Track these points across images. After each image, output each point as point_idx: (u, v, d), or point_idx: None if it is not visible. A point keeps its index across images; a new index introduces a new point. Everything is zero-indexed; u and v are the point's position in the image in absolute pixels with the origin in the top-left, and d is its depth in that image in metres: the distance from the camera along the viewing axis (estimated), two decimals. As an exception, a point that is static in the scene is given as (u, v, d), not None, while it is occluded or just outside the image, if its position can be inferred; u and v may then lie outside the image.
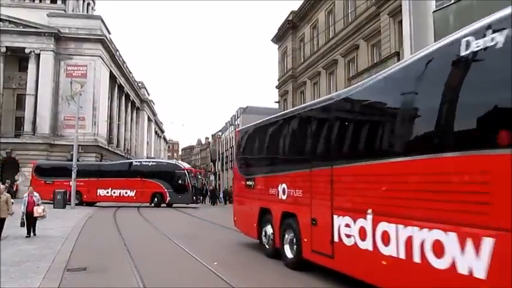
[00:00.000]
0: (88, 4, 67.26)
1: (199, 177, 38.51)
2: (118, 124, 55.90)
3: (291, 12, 37.51)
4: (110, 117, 51.10)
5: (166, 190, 29.55)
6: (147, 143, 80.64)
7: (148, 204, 29.72)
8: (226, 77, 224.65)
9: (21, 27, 42.35)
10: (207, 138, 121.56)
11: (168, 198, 29.48)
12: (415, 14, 17.01)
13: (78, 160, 30.64)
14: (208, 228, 16.48)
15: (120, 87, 56.04)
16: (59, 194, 26.11)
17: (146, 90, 76.97)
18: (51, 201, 25.52)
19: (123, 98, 58.78)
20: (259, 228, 9.81)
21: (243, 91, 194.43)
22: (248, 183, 10.84)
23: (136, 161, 35.18)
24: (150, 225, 17.46)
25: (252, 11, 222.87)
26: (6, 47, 42.01)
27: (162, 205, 29.69)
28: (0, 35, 41.75)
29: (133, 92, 64.89)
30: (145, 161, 35.77)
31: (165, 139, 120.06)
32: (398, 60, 18.53)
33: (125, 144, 59.62)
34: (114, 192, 30.17)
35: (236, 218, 11.87)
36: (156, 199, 29.52)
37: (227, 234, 13.80)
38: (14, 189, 37.16)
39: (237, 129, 12.83)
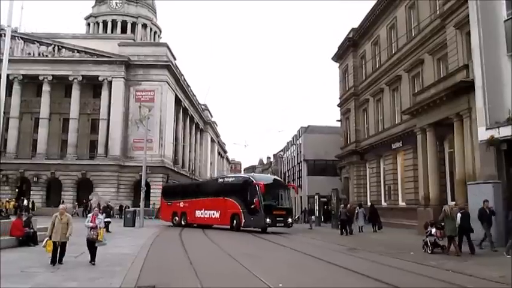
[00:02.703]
0: (155, 32, 71.07)
1: (295, 194, 30.18)
2: (183, 146, 57.80)
3: (351, 30, 37.21)
4: (176, 139, 52.99)
5: (241, 210, 24.34)
6: (211, 163, 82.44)
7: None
8: (287, 97, 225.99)
9: (95, 56, 45.43)
10: (268, 158, 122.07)
11: (243, 221, 24.03)
12: (484, 24, 16.21)
13: (146, 181, 31.86)
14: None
15: (185, 110, 58.06)
16: (128, 213, 27.52)
17: (209, 112, 79.13)
18: (171, 223, 29.53)
19: (188, 120, 60.80)
20: None
21: (304, 110, 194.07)
22: None
23: (220, 178, 32.31)
24: (215, 244, 17.66)
25: (311, 30, 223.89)
26: (82, 75, 45.17)
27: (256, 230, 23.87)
28: (78, 65, 45.13)
29: (197, 114, 66.97)
30: (227, 177, 31.66)
31: (227, 159, 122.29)
32: (468, 73, 17.73)
33: (189, 165, 61.37)
34: (205, 214, 27.26)
35: None
36: (235, 221, 24.68)
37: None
38: (88, 208, 39.37)
39: None
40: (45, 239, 10.66)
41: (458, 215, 13.84)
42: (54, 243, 10.38)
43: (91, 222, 10.94)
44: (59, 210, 10.75)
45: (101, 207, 28.06)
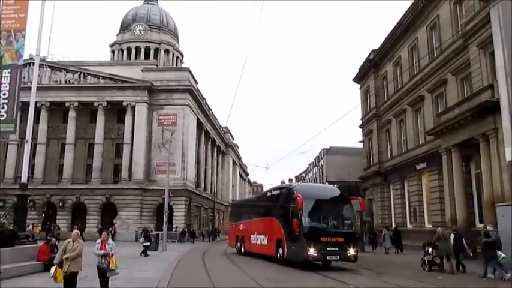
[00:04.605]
0: (177, 58, 72.55)
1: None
2: (205, 168, 58.07)
3: (372, 51, 37.28)
4: (198, 162, 53.34)
5: (284, 235, 17.60)
6: (233, 186, 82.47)
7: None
8: (308, 119, 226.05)
9: (119, 82, 46.51)
10: (290, 179, 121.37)
11: (285, 250, 17.31)
12: (508, 43, 16.04)
13: (169, 204, 31.88)
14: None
15: (207, 133, 58.59)
16: (152, 236, 27.55)
17: (231, 135, 79.63)
18: (235, 249, 24.98)
19: (209, 143, 61.27)
20: None
21: (326, 132, 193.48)
22: None
23: (269, 190, 23.04)
24: (237, 268, 17.54)
25: (332, 51, 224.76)
26: (107, 101, 46.20)
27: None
28: (103, 91, 46.30)
29: (218, 137, 67.47)
30: (274, 189, 21.80)
31: (249, 182, 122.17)
32: (493, 93, 17.48)
33: (211, 187, 61.53)
34: (257, 239, 21.41)
35: None
36: (280, 250, 17.91)
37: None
38: (112, 232, 39.71)
39: None
40: (53, 268, 9.08)
41: (452, 236, 15.45)
42: (64, 273, 8.93)
43: (100, 249, 9.60)
44: (72, 236, 9.38)
45: (142, 231, 27.85)
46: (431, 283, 12.46)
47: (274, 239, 18.60)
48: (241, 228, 24.31)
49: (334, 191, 19.21)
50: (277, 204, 19.11)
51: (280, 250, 17.72)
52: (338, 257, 16.16)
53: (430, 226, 26.51)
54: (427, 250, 15.99)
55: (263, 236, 20.38)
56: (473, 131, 19.14)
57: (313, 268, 16.21)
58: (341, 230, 16.86)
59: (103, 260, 9.48)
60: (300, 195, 16.24)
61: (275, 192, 20.58)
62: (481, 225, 19.26)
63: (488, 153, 18.31)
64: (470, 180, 21.88)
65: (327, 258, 16.17)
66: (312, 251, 15.57)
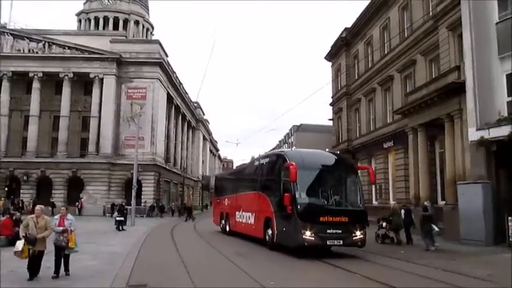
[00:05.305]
0: (147, 29, 70.69)
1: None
2: (175, 143, 57.56)
3: (344, 29, 37.35)
4: (167, 136, 52.71)
5: (273, 213, 14.60)
6: (203, 161, 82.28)
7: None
8: (279, 95, 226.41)
9: (86, 53, 44.95)
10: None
11: (275, 232, 14.21)
12: (476, 26, 16.40)
13: (138, 179, 31.55)
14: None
15: (177, 108, 57.82)
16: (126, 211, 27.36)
17: (201, 110, 78.94)
18: (220, 228, 22.55)
19: (180, 118, 60.54)
20: None
21: (296, 109, 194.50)
22: None
23: (257, 159, 19.92)
24: (205, 241, 17.67)
25: (304, 29, 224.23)
26: (73, 72, 44.69)
27: None
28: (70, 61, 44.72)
29: (189, 112, 66.75)
30: (263, 157, 18.49)
31: (219, 157, 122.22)
32: (459, 74, 17.89)
33: (181, 163, 61.18)
34: (243, 217, 18.60)
35: None
36: (269, 231, 14.81)
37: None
38: (79, 207, 39.21)
39: None
40: (21, 242, 8.62)
41: (402, 211, 17.08)
42: (29, 251, 8.56)
43: (59, 225, 9.04)
44: (35, 212, 8.96)
45: (117, 206, 27.31)
46: (401, 258, 12.83)
47: (262, 218, 15.66)
48: (226, 204, 21.76)
49: (336, 158, 15.86)
50: (266, 175, 16.11)
51: (269, 231, 14.75)
52: (341, 242, 12.95)
53: (395, 203, 27.33)
54: (381, 224, 17.35)
55: (249, 214, 17.48)
56: (439, 111, 19.64)
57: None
58: (346, 207, 13.70)
59: (61, 237, 8.90)
60: (294, 164, 12.96)
61: (264, 161, 17.14)
62: (443, 202, 20.03)
63: (452, 133, 18.88)
64: (434, 159, 22.57)
65: (328, 243, 12.95)
66: (308, 234, 12.47)
